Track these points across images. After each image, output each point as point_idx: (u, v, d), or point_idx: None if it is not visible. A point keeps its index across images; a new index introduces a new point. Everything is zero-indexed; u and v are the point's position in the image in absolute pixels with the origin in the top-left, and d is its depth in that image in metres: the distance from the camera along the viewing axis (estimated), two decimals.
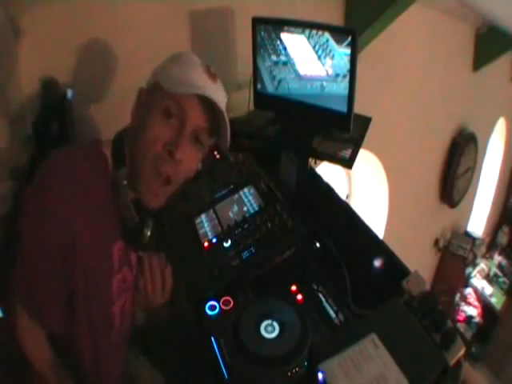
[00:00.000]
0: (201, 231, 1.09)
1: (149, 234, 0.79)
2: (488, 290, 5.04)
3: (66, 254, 0.71)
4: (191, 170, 0.79)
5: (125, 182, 0.75)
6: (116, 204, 0.76)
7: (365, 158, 2.74)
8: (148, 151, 0.73)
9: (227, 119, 0.78)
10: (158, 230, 0.81)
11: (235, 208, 1.13)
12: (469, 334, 4.69)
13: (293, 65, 1.11)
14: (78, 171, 0.73)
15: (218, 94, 0.76)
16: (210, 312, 0.89)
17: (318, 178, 1.29)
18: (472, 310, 4.89)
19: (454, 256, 4.47)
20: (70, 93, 1.05)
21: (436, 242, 4.38)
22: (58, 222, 0.69)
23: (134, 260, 0.87)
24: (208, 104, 0.75)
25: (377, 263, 1.02)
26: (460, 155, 3.92)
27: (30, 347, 0.78)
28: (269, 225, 1.03)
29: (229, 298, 0.92)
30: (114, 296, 0.83)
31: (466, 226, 5.19)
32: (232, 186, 1.22)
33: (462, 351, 0.72)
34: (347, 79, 1.00)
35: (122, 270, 0.83)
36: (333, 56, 1.01)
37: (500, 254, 5.79)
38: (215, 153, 1.43)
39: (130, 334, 0.98)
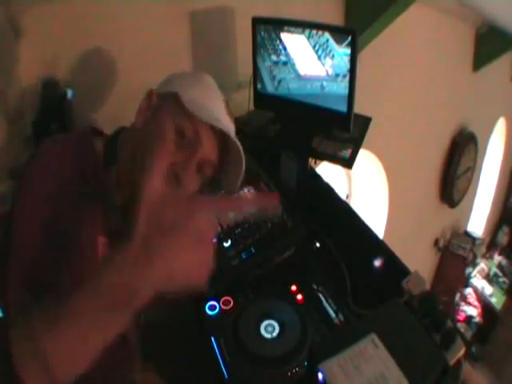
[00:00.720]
0: None
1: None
2: (488, 289, 5.05)
3: (50, 216, 0.66)
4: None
5: (112, 184, 0.74)
6: (103, 202, 0.73)
7: (365, 157, 2.74)
8: (158, 166, 0.72)
9: (244, 163, 0.75)
10: None
11: None
12: (469, 334, 4.69)
13: (293, 65, 1.11)
14: (67, 155, 0.71)
15: (233, 132, 0.75)
16: (209, 312, 0.89)
17: (318, 177, 1.29)
18: (472, 310, 4.89)
19: (454, 256, 4.48)
20: (69, 93, 1.05)
21: (436, 242, 4.38)
22: (41, 200, 0.65)
23: None
24: (223, 140, 0.74)
25: (377, 263, 1.02)
26: (460, 155, 3.92)
27: None
28: (269, 225, 1.03)
29: (229, 297, 0.92)
30: None
31: (466, 226, 5.19)
32: None
33: (462, 351, 0.72)
34: (347, 79, 1.01)
35: None
36: (333, 56, 1.01)
37: (500, 254, 5.79)
38: None
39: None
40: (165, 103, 0.74)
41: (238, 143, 0.74)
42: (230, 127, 0.75)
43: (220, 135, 0.73)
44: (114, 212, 0.73)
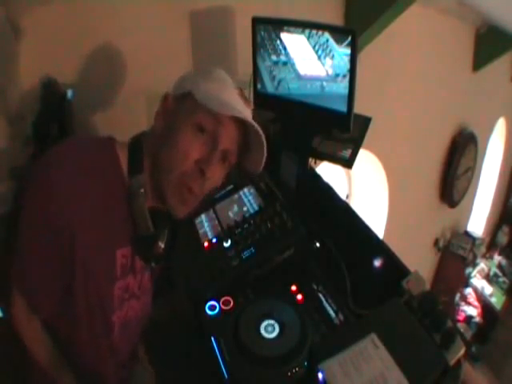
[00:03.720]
0: (201, 231, 1.10)
1: (163, 246, 0.77)
2: (488, 289, 5.04)
3: (65, 241, 0.68)
4: (216, 185, 0.81)
5: (142, 190, 0.74)
6: (130, 211, 0.74)
7: (365, 157, 2.73)
8: (178, 166, 0.74)
9: (265, 143, 0.79)
10: (170, 242, 0.80)
11: (235, 208, 1.13)
12: (469, 334, 4.68)
13: (293, 65, 1.11)
14: (91, 161, 0.71)
15: (250, 116, 0.78)
16: (209, 312, 0.89)
17: (318, 177, 1.29)
18: (472, 310, 4.89)
19: (454, 256, 4.48)
20: (69, 93, 1.05)
21: (436, 242, 4.38)
22: (61, 201, 0.66)
23: (139, 268, 0.84)
24: (242, 127, 0.77)
25: (377, 263, 1.02)
26: (460, 155, 3.92)
27: (29, 340, 0.75)
28: (269, 225, 1.03)
29: (229, 297, 0.92)
30: (115, 304, 0.80)
31: (466, 226, 5.19)
32: (232, 186, 1.22)
33: (462, 351, 0.72)
34: (347, 79, 1.01)
35: (124, 277, 0.79)
36: (333, 56, 1.01)
37: (500, 254, 5.78)
38: None
39: (135, 346, 0.95)
40: (181, 104, 0.76)
41: (256, 126, 0.76)
42: (245, 113, 0.77)
43: (238, 122, 0.76)
44: (145, 219, 0.74)
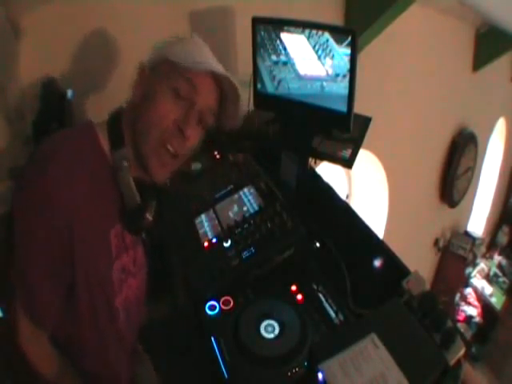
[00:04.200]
0: (201, 231, 1.09)
1: (151, 217, 0.78)
2: (488, 289, 5.04)
3: (65, 242, 0.69)
4: (194, 147, 0.81)
5: (126, 164, 0.74)
6: (116, 186, 0.75)
7: (365, 158, 2.74)
8: (156, 126, 0.75)
9: (241, 96, 0.81)
10: (157, 210, 0.80)
11: (235, 208, 1.13)
12: (469, 334, 4.69)
13: (293, 65, 1.11)
14: (76, 156, 0.71)
15: (223, 70, 0.79)
16: (209, 312, 0.89)
17: (318, 177, 1.29)
18: (472, 310, 4.89)
19: (454, 256, 4.48)
20: (69, 93, 1.05)
21: (436, 242, 4.38)
22: (58, 209, 0.67)
23: (131, 243, 0.84)
24: (217, 84, 0.78)
25: (377, 263, 1.02)
26: (460, 155, 3.92)
27: (36, 357, 0.74)
28: (269, 225, 1.03)
29: (229, 297, 0.91)
30: (116, 287, 0.80)
31: (466, 226, 5.19)
32: (232, 186, 1.22)
33: (462, 351, 0.72)
34: (347, 79, 1.00)
35: (119, 257, 0.80)
36: (333, 56, 1.01)
37: (500, 254, 5.79)
38: (215, 153, 1.43)
39: (137, 334, 0.96)
40: (157, 71, 0.77)
41: (231, 78, 0.78)
42: (219, 67, 0.78)
43: (213, 79, 0.78)
44: (131, 189, 0.76)
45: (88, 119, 0.81)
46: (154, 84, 0.76)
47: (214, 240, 1.05)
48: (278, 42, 1.11)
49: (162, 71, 0.76)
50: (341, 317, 0.88)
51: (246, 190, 1.18)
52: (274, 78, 1.17)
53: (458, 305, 4.86)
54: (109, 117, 0.80)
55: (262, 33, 1.13)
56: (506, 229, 6.17)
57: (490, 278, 5.23)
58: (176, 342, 1.15)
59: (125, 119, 0.79)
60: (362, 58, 1.56)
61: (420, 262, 3.89)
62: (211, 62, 0.78)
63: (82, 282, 0.73)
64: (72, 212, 0.68)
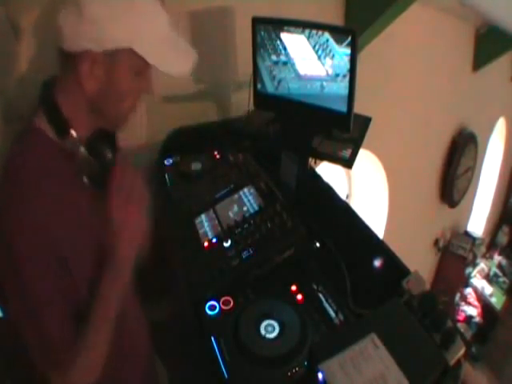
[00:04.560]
0: (201, 231, 1.09)
1: (111, 155, 0.79)
2: (488, 289, 5.05)
3: (61, 254, 0.69)
4: None
5: (82, 149, 0.74)
6: (77, 167, 0.75)
7: (365, 157, 2.74)
8: (129, 108, 0.78)
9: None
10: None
11: (235, 208, 1.13)
12: (469, 334, 4.69)
13: (293, 65, 1.11)
14: (43, 174, 0.70)
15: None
16: (209, 312, 0.89)
17: (318, 177, 1.29)
18: (472, 310, 4.89)
19: (454, 256, 4.48)
20: None
21: (436, 242, 4.38)
22: (47, 233, 0.66)
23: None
24: None
25: (377, 263, 1.02)
26: (460, 155, 3.92)
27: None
28: (269, 225, 1.03)
29: (229, 297, 0.91)
30: None
31: (466, 226, 5.19)
32: (232, 186, 1.22)
33: (462, 351, 0.72)
34: (347, 79, 1.00)
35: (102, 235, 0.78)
36: (333, 56, 1.01)
37: (500, 254, 5.79)
38: (215, 153, 1.43)
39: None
40: (116, 57, 0.71)
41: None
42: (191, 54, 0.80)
43: None
44: (88, 159, 0.75)
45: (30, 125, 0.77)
46: (116, 71, 0.72)
47: (214, 240, 1.05)
48: (278, 42, 1.11)
49: (122, 58, 0.71)
50: (341, 317, 0.88)
51: (245, 190, 1.19)
52: (274, 78, 1.17)
53: (458, 305, 4.86)
54: (44, 108, 0.75)
55: (262, 33, 1.13)
56: (506, 229, 6.18)
57: (490, 278, 5.23)
58: (176, 342, 1.15)
59: (72, 101, 0.74)
60: (362, 58, 1.56)
61: (420, 262, 3.89)
62: (183, 57, 0.79)
63: (85, 296, 0.73)
64: (59, 231, 0.68)
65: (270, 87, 1.20)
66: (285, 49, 1.10)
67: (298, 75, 1.12)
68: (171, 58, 0.76)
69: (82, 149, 0.74)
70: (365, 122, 1.19)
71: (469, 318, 4.83)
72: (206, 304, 0.90)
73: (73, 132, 0.73)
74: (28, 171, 0.69)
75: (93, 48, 0.68)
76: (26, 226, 0.65)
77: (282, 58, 1.12)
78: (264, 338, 0.80)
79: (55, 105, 0.73)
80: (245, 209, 1.11)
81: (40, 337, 0.67)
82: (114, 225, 0.72)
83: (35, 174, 0.69)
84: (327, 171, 1.89)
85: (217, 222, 1.11)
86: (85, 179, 0.76)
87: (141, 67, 0.74)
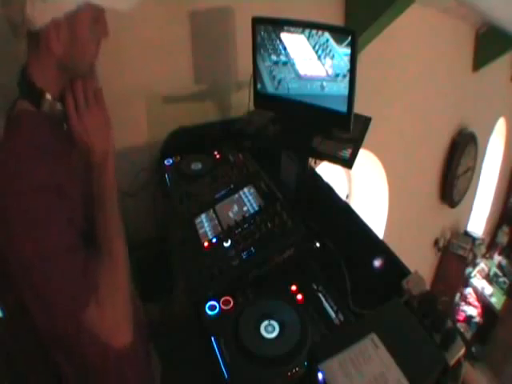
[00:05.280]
0: (201, 231, 1.09)
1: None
2: (488, 289, 5.05)
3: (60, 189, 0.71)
4: None
5: (59, 104, 0.79)
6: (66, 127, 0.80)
7: (365, 158, 2.74)
8: (92, 51, 0.83)
9: None
10: None
11: (235, 208, 1.13)
12: (469, 334, 4.69)
13: (293, 65, 1.11)
14: (35, 144, 0.73)
15: None
16: (209, 312, 0.89)
17: (318, 177, 1.29)
18: (472, 310, 4.90)
19: (454, 256, 4.48)
20: None
21: (436, 242, 4.38)
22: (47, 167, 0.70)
23: None
24: None
25: (377, 263, 1.02)
26: (460, 155, 3.92)
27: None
28: (269, 225, 1.03)
29: (229, 297, 0.91)
30: None
31: (466, 226, 5.19)
32: (232, 186, 1.22)
33: (462, 351, 0.72)
34: (347, 79, 1.01)
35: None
36: (333, 56, 1.01)
37: (500, 254, 5.79)
38: (215, 153, 1.43)
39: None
40: (74, 16, 0.76)
41: None
42: None
43: None
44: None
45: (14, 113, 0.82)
46: (78, 32, 0.77)
47: (214, 240, 1.05)
48: (278, 42, 1.11)
49: (81, 19, 0.77)
50: (341, 317, 0.88)
51: (245, 190, 1.19)
52: (273, 78, 1.17)
53: (458, 305, 4.86)
54: (20, 85, 0.81)
55: (262, 33, 1.13)
56: (506, 229, 6.18)
57: (490, 278, 5.23)
58: (176, 342, 1.15)
59: (42, 68, 0.80)
60: (362, 57, 1.56)
61: (420, 262, 3.89)
62: None
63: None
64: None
65: (269, 87, 1.20)
66: (285, 49, 1.11)
67: (297, 75, 1.12)
68: None
69: (59, 104, 0.80)
70: (365, 122, 1.19)
71: (469, 318, 4.83)
72: (206, 304, 0.90)
73: (48, 96, 0.79)
74: (21, 144, 0.72)
75: (54, 16, 0.74)
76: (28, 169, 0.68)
77: (282, 58, 1.12)
78: (264, 338, 0.80)
79: (28, 81, 0.80)
80: (245, 209, 1.11)
81: (63, 272, 0.67)
82: (82, 134, 0.79)
83: (28, 146, 0.72)
84: (327, 171, 1.89)
85: (217, 221, 1.11)
86: (65, 126, 0.82)
87: (96, 14, 0.80)
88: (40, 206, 0.67)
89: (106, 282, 0.72)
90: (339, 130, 1.15)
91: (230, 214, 1.11)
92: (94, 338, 0.69)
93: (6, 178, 0.67)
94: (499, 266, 5.52)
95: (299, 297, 0.93)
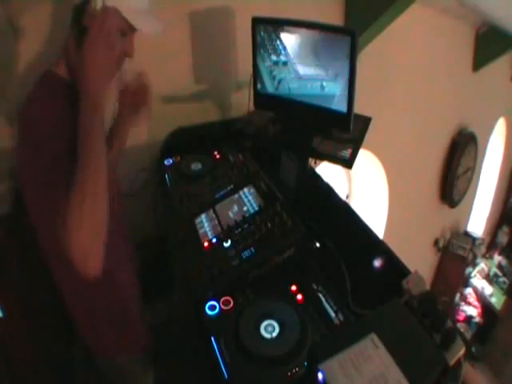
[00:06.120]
0: (201, 231, 1.09)
1: None
2: (488, 289, 5.05)
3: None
4: None
5: None
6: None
7: (365, 157, 2.74)
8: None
9: None
10: None
11: (235, 208, 1.13)
12: (469, 334, 4.69)
13: (293, 65, 1.11)
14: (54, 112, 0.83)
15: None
16: (209, 312, 0.89)
17: (318, 177, 1.29)
18: (472, 310, 4.90)
19: (454, 256, 4.48)
20: None
21: (436, 242, 4.39)
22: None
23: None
24: None
25: (377, 263, 1.02)
26: (460, 155, 3.92)
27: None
28: (269, 225, 1.03)
29: (229, 297, 0.91)
30: None
31: (466, 226, 5.19)
32: (232, 186, 1.22)
33: (462, 351, 0.72)
34: (347, 79, 1.00)
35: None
36: (333, 56, 1.01)
37: (500, 254, 5.79)
38: (215, 153, 1.43)
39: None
40: (104, 21, 0.83)
41: None
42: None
43: None
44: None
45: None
46: (106, 33, 0.83)
47: (214, 240, 1.05)
48: (278, 42, 1.11)
49: (110, 20, 0.83)
50: (341, 317, 0.88)
51: (246, 190, 1.19)
52: (274, 78, 1.17)
53: (458, 305, 4.86)
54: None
55: (262, 33, 1.13)
56: (506, 229, 6.18)
57: (490, 278, 5.23)
58: (176, 343, 1.15)
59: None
60: (362, 58, 1.56)
61: (420, 262, 3.89)
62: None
63: None
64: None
65: (270, 87, 1.20)
66: (285, 49, 1.10)
67: (298, 75, 1.12)
68: (145, 20, 0.91)
69: None
70: (365, 122, 1.19)
71: (469, 318, 4.84)
72: (206, 304, 0.90)
73: None
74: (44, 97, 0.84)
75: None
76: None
77: (282, 58, 1.12)
78: (264, 338, 0.80)
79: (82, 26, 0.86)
80: (245, 209, 1.11)
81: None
82: (86, 60, 0.80)
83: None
84: (327, 171, 1.89)
85: (217, 222, 1.11)
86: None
87: (124, 27, 0.86)
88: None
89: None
90: (339, 130, 1.15)
91: (230, 214, 1.11)
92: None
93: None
94: (499, 266, 5.53)
95: (299, 297, 0.93)
